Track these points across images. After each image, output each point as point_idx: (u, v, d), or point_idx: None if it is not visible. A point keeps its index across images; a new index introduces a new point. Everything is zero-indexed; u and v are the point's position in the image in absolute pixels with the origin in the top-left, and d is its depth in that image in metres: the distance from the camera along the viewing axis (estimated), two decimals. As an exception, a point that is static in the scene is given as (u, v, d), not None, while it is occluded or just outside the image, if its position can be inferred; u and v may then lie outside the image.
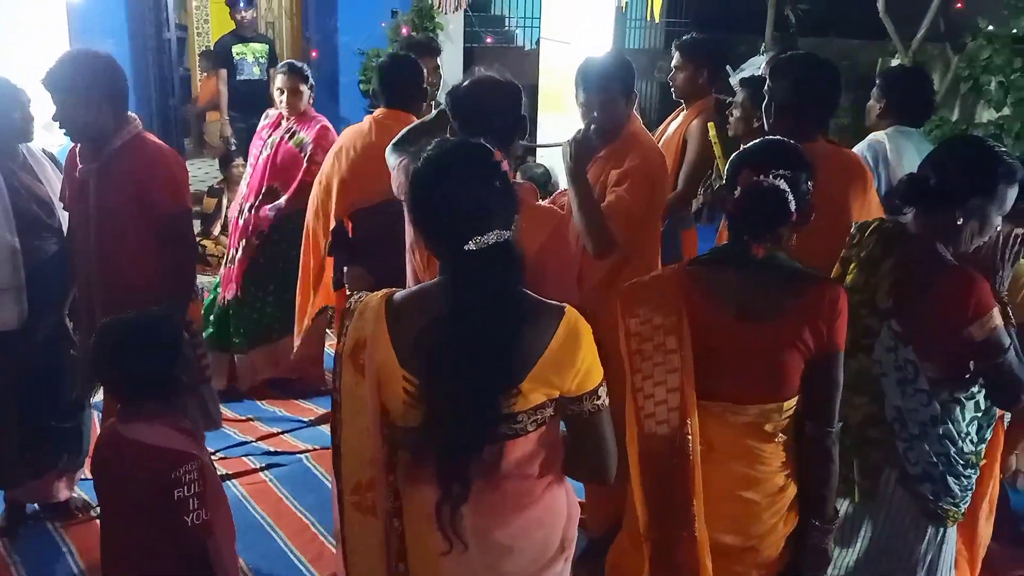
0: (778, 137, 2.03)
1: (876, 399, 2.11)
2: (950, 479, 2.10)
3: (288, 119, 4.18)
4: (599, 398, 1.60)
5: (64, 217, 2.93)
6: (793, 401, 1.91)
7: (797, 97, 2.61)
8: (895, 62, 7.79)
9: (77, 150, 2.78)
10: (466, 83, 2.24)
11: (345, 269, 3.63)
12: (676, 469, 1.88)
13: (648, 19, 5.07)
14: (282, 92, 4.13)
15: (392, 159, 2.49)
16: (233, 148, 6.61)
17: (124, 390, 2.06)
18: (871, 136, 3.28)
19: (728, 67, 5.56)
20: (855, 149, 3.17)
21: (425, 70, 3.65)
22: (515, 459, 1.59)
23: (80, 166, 2.74)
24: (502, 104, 2.20)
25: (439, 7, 6.92)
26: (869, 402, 2.12)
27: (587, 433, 1.63)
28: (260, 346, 4.28)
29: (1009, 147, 6.47)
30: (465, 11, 7.57)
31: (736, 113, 3.37)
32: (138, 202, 2.68)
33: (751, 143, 1.99)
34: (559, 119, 5.70)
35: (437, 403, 1.51)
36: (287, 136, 4.15)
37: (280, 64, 4.33)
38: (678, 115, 3.81)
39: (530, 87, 7.60)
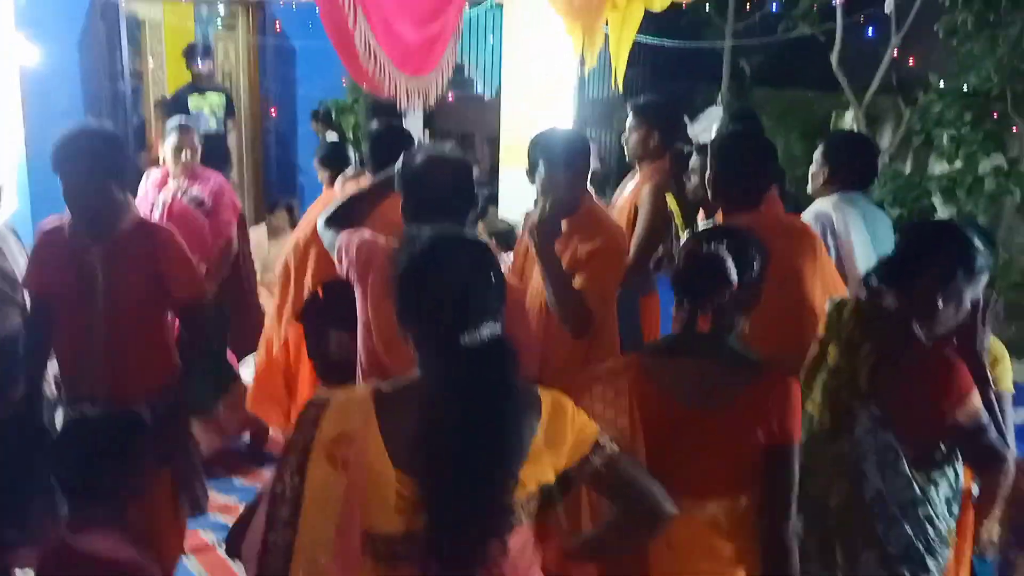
0: (730, 225, 2.07)
1: (856, 482, 2.10)
2: (928, 559, 2.10)
3: (177, 177, 4.09)
4: (605, 448, 1.60)
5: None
6: (751, 495, 1.87)
7: (733, 174, 2.70)
8: (848, 114, 7.97)
9: (67, 229, 2.61)
10: (419, 162, 2.21)
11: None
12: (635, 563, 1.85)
13: (613, 91, 5.08)
14: (179, 151, 4.05)
15: (329, 236, 2.42)
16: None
17: (76, 496, 1.93)
18: (816, 206, 3.23)
19: (685, 117, 5.62)
20: (802, 216, 3.16)
21: None
22: (513, 551, 1.55)
23: (72, 247, 2.57)
24: (457, 185, 2.18)
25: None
26: (849, 485, 2.10)
27: (618, 483, 1.63)
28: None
29: (962, 200, 6.62)
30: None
31: (694, 179, 3.35)
32: (155, 288, 2.57)
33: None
34: (521, 173, 5.66)
35: (440, 505, 1.46)
36: (180, 194, 4.05)
37: (172, 121, 4.23)
38: (633, 177, 3.77)
39: (491, 139, 7.64)
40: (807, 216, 3.20)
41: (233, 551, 2.16)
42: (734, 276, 1.81)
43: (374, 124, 3.59)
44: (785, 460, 1.84)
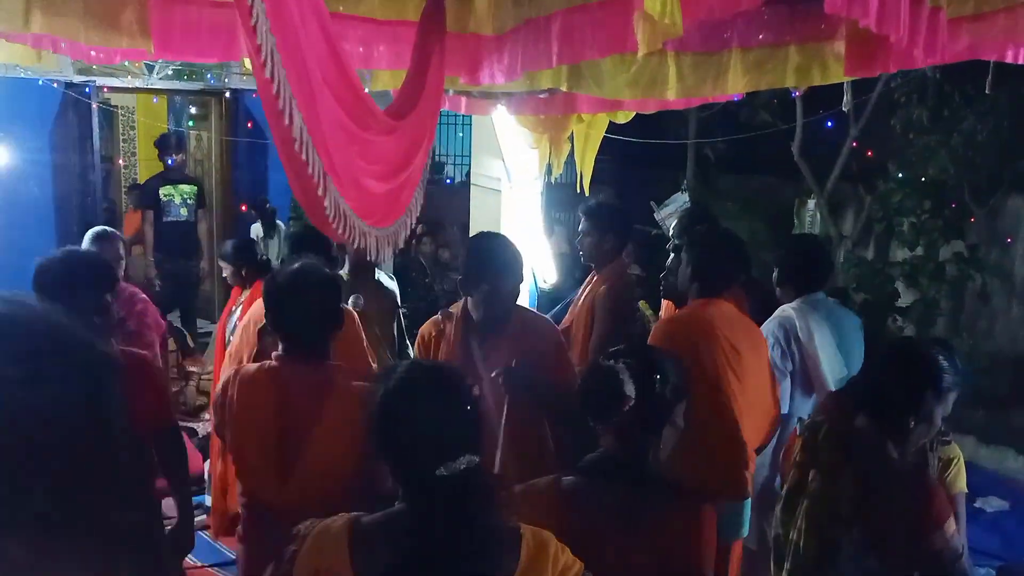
0: (645, 344, 2.11)
1: None
2: None
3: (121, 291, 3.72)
4: None
5: None
6: None
7: (704, 267, 2.95)
8: (812, 201, 8.14)
9: None
10: (286, 274, 2.32)
11: None
12: None
13: (578, 191, 5.19)
14: (119, 264, 3.81)
15: None
16: (157, 289, 6.43)
17: None
18: (780, 312, 3.29)
19: (652, 203, 5.72)
20: (765, 325, 3.22)
21: None
22: None
23: None
24: (320, 299, 2.28)
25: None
26: None
27: None
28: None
29: (924, 286, 6.73)
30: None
31: (672, 279, 3.43)
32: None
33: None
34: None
35: None
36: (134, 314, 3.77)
37: (90, 233, 3.91)
38: (590, 282, 3.81)
39: (462, 223, 7.71)
40: (771, 323, 3.25)
41: None
42: (631, 391, 1.79)
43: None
44: None
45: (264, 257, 4.36)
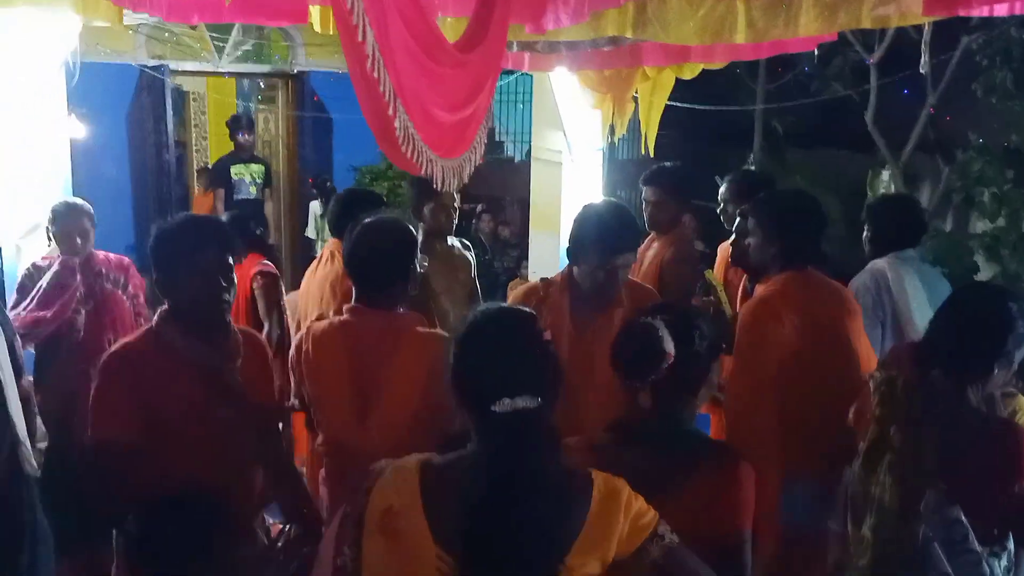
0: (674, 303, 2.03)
1: (922, 564, 2.04)
2: None
3: (88, 262, 3.58)
4: (664, 537, 1.52)
5: None
6: None
7: (780, 232, 2.66)
8: (885, 173, 7.88)
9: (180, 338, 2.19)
10: (371, 223, 2.34)
11: None
12: None
13: (643, 153, 5.10)
14: (86, 236, 3.56)
15: None
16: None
17: None
18: (872, 265, 3.26)
19: (717, 178, 5.59)
20: (857, 278, 3.17)
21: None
22: None
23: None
24: (398, 249, 2.32)
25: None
26: (917, 571, 2.05)
27: (681, 572, 1.54)
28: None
29: (1006, 258, 6.46)
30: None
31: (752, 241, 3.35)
32: None
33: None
34: (550, 237, 5.66)
35: None
36: (108, 283, 3.63)
37: (73, 206, 3.60)
38: (651, 245, 3.73)
39: (522, 200, 7.69)
40: (863, 276, 3.21)
41: None
42: (670, 348, 1.75)
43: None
44: (735, 551, 1.75)
45: (261, 231, 4.39)
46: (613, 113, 4.81)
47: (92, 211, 3.62)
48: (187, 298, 2.12)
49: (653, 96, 4.70)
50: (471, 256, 3.87)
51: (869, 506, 2.10)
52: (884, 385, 2.17)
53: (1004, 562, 2.07)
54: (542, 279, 2.82)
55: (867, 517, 2.10)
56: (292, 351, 2.46)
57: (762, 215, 2.75)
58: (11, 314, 3.24)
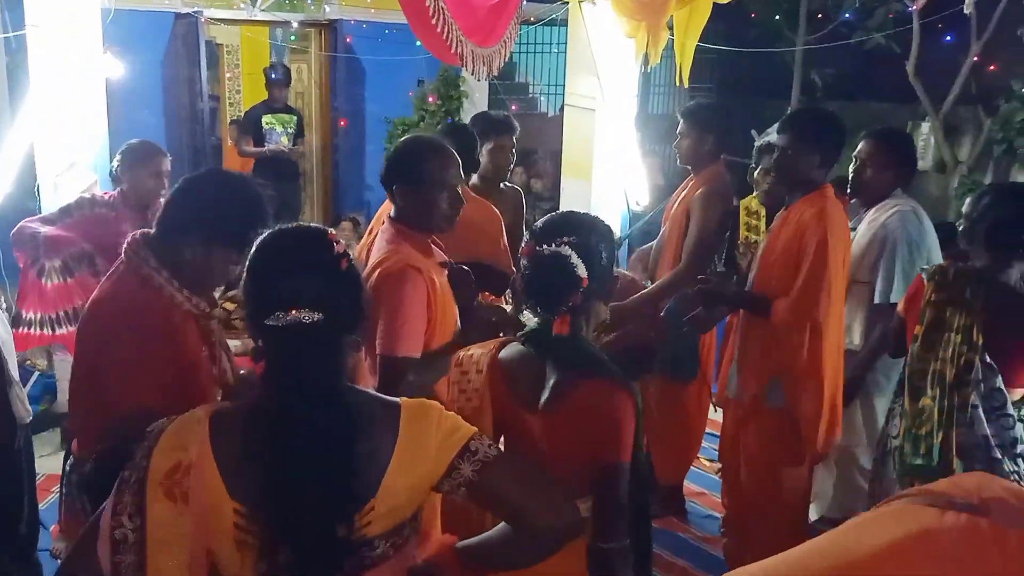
0: (569, 210, 1.93)
1: (967, 430, 2.31)
2: None
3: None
4: (477, 452, 1.36)
5: None
6: (586, 507, 1.69)
7: (799, 147, 2.85)
8: (925, 125, 7.71)
9: None
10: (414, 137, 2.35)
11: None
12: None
13: (676, 84, 5.00)
14: (161, 176, 3.36)
15: None
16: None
17: None
18: (905, 201, 3.23)
19: (753, 132, 5.51)
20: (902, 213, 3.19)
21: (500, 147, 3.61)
22: None
23: None
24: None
25: (473, 73, 7.01)
26: (965, 432, 2.31)
27: (494, 493, 1.38)
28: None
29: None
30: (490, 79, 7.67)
31: (769, 179, 3.34)
32: None
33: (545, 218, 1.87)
34: (581, 185, 5.64)
35: (279, 539, 1.28)
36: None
37: (139, 151, 3.39)
38: (686, 185, 3.69)
39: (554, 152, 7.65)
40: (893, 218, 3.20)
41: None
42: (584, 272, 1.72)
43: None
44: (610, 477, 1.68)
45: None
46: (647, 43, 4.67)
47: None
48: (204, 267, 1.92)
49: (689, 25, 4.54)
50: (519, 195, 4.03)
51: (932, 379, 2.37)
52: (937, 275, 2.46)
53: None
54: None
55: (928, 389, 2.38)
56: None
57: (807, 132, 2.87)
58: (41, 227, 3.27)
